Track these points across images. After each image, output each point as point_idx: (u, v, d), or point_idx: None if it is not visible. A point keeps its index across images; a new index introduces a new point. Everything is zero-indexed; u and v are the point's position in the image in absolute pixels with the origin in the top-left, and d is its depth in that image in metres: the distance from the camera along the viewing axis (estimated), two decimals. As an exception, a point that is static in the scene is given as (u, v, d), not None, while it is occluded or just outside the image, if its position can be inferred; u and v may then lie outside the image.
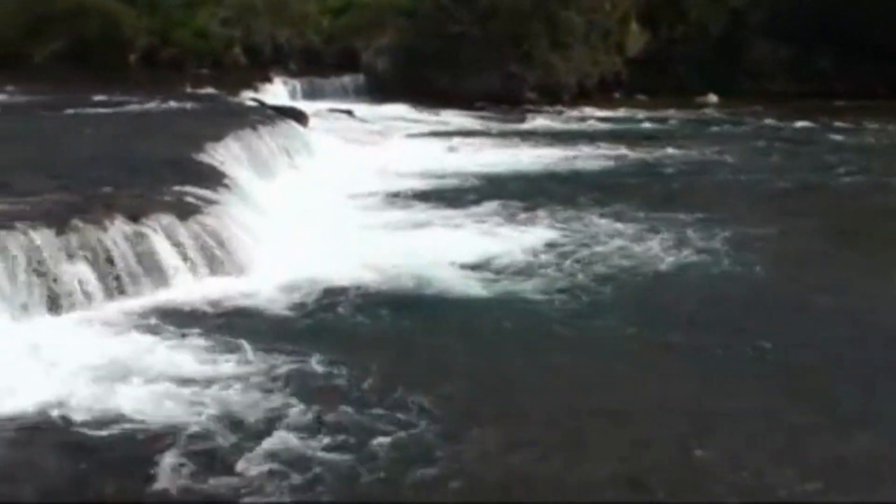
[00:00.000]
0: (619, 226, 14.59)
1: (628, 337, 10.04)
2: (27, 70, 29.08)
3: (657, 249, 13.32)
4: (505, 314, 10.69)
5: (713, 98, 32.09)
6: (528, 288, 11.54)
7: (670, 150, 22.48)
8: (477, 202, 16.28)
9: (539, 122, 27.94)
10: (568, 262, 12.66)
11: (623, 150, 22.38)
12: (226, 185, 14.01)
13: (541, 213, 15.45)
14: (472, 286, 11.61)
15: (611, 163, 21.02)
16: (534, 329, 10.35)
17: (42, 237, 10.74)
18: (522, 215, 15.33)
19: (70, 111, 21.69)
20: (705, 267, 12.58)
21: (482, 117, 28.30)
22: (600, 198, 16.62)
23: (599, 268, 12.42)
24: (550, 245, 13.47)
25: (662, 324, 10.44)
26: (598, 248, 13.35)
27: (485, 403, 8.47)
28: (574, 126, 27.26)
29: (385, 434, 7.78)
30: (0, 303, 10.00)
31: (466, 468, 7.34)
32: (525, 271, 12.23)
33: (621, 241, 13.71)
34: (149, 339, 9.78)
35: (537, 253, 13.05)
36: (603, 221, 14.90)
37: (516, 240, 13.77)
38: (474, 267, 12.35)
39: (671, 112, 29.35)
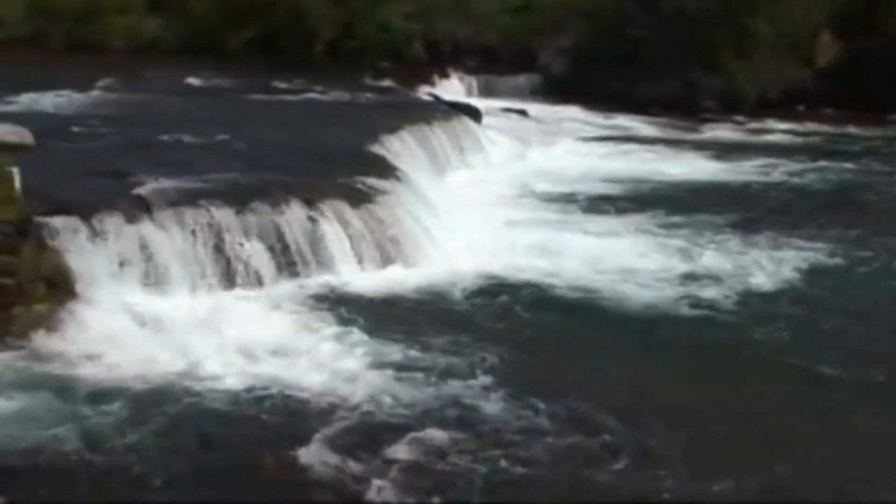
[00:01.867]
0: (830, 253, 13.37)
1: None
2: (220, 57, 30.46)
3: (882, 283, 12.21)
4: (691, 330, 10.27)
5: (910, 116, 30.17)
6: (710, 303, 11.00)
7: (870, 169, 21.03)
8: (654, 211, 15.65)
9: (718, 132, 26.97)
10: (763, 287, 11.73)
11: (815, 166, 21.01)
12: (397, 177, 14.21)
13: (720, 228, 14.67)
14: (646, 296, 11.23)
15: (802, 179, 19.71)
16: (690, 342, 9.96)
17: (223, 215, 11.23)
18: (699, 226, 14.71)
19: (255, 97, 22.57)
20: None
21: (658, 123, 27.62)
22: (793, 219, 15.51)
23: (815, 298, 11.46)
24: (733, 262, 12.74)
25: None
26: (805, 273, 12.37)
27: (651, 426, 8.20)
28: (756, 139, 26.14)
29: (543, 435, 7.71)
30: (180, 275, 10.55)
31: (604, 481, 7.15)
32: (703, 286, 11.63)
33: (837, 264, 12.78)
34: (314, 322, 10.06)
35: (714, 269, 12.39)
36: (801, 244, 13.75)
37: (696, 252, 13.17)
38: (650, 277, 11.88)
39: (863, 129, 27.71)
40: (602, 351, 9.78)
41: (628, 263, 12.45)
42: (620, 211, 15.67)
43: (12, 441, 7.41)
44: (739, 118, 29.36)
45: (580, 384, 8.73)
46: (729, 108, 30.30)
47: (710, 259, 12.84)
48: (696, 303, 11.05)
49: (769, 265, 12.59)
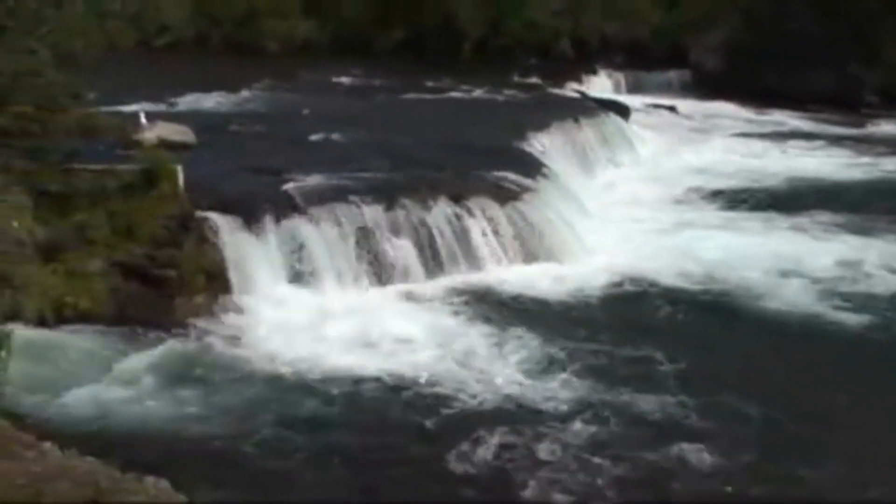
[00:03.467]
0: None
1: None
2: (370, 58, 31.08)
3: None
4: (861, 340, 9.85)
5: None
6: (859, 313, 10.49)
7: None
8: (820, 212, 14.71)
9: (885, 127, 25.52)
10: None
11: None
12: (544, 175, 14.14)
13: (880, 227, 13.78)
14: (798, 299, 10.82)
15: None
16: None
17: (372, 212, 11.45)
18: (875, 231, 13.78)
19: (404, 96, 22.89)
20: None
21: (816, 119, 26.46)
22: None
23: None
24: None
25: None
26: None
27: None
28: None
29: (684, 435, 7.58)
30: (331, 270, 10.82)
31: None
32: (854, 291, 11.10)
33: None
34: (461, 318, 10.14)
35: (871, 274, 11.78)
36: None
37: (853, 256, 12.48)
38: (816, 281, 11.39)
39: None
40: (777, 364, 9.39)
41: (789, 266, 11.92)
42: (778, 211, 14.93)
43: (175, 422, 7.83)
44: (903, 113, 27.75)
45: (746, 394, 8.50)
46: (892, 102, 28.74)
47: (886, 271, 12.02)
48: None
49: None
